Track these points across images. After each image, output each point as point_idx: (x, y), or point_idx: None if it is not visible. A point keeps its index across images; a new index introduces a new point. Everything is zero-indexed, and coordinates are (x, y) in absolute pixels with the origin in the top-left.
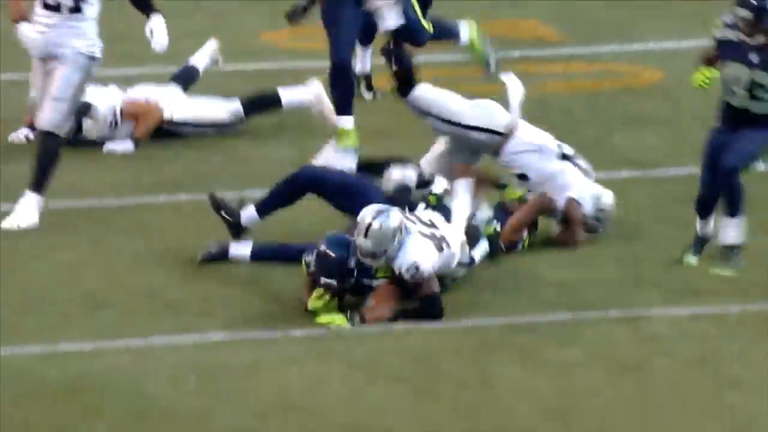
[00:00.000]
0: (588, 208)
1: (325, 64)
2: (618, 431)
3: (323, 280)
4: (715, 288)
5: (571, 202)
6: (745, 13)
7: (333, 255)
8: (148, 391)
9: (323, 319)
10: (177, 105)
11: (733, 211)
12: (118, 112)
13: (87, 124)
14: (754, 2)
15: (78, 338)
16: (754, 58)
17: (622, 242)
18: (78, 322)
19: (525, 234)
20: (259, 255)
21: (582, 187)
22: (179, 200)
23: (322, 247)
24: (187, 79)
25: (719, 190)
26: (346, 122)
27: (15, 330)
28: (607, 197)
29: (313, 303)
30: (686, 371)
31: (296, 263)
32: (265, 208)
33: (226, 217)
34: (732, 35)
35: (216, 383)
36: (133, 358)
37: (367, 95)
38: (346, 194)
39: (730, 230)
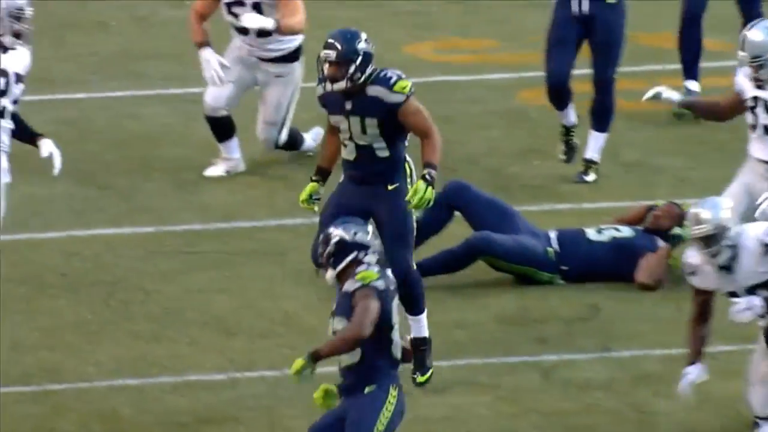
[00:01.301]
0: None
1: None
2: None
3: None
4: None
5: None
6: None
7: None
8: (284, 423)
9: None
10: None
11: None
12: None
13: None
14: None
15: (210, 367)
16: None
17: None
18: (209, 350)
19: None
20: (426, 268)
21: None
22: (315, 223)
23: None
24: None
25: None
26: None
27: (147, 359)
28: None
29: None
30: None
31: (464, 267)
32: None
33: None
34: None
35: None
36: (268, 388)
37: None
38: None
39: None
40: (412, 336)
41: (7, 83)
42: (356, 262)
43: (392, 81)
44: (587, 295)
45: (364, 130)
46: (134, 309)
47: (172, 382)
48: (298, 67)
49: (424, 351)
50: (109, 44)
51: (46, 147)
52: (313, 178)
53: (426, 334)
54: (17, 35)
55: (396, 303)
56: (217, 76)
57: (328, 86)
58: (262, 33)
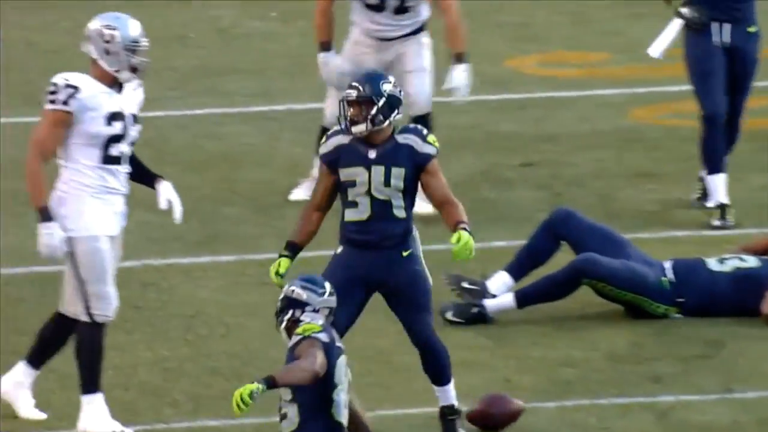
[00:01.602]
0: None
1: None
2: None
3: None
4: None
5: None
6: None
7: None
8: None
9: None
10: None
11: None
12: None
13: None
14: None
15: None
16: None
17: None
18: None
19: None
20: (526, 297)
21: None
22: None
23: None
24: None
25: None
26: None
27: (228, 399)
28: None
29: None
30: None
31: (568, 294)
32: (519, 267)
33: (471, 287)
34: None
35: None
36: None
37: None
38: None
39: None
40: (440, 404)
41: (125, 127)
42: (295, 321)
43: (424, 132)
44: (707, 331)
45: (387, 182)
46: (214, 344)
47: (256, 424)
48: (426, 35)
49: (453, 421)
50: (188, 58)
51: (165, 194)
52: (284, 253)
53: (454, 402)
54: (134, 69)
55: (343, 361)
56: (334, 81)
57: (348, 136)
58: (400, 9)
